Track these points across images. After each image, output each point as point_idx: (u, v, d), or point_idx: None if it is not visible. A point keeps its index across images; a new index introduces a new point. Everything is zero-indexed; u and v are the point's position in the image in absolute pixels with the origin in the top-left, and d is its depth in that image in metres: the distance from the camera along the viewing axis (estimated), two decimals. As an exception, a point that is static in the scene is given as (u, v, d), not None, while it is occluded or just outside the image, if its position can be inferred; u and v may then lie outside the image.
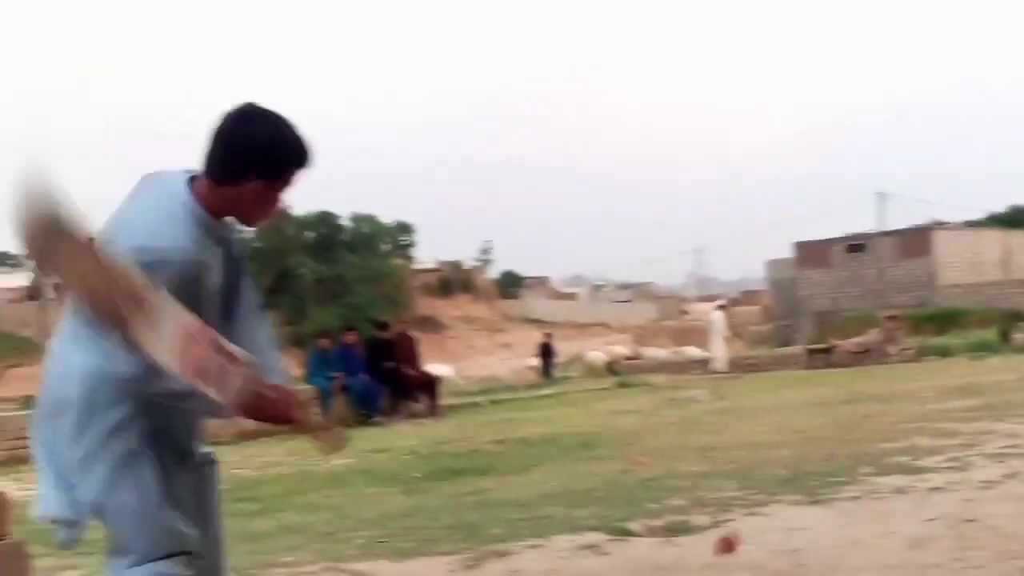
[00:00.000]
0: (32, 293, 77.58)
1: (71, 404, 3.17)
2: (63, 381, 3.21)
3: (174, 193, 3.20)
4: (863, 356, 28.62)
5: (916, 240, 59.17)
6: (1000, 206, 75.84)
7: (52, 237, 2.85)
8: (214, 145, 3.21)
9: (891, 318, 31.77)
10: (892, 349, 29.04)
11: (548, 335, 39.88)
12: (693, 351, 40.34)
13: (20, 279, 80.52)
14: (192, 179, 3.24)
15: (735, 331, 40.14)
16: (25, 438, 13.69)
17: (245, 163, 3.19)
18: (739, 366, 29.34)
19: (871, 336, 30.62)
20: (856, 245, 61.53)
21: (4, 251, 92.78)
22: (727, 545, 5.67)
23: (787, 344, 46.47)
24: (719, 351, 30.15)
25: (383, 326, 21.72)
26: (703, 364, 30.84)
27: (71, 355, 3.20)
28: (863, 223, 65.81)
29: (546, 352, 37.11)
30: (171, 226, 3.11)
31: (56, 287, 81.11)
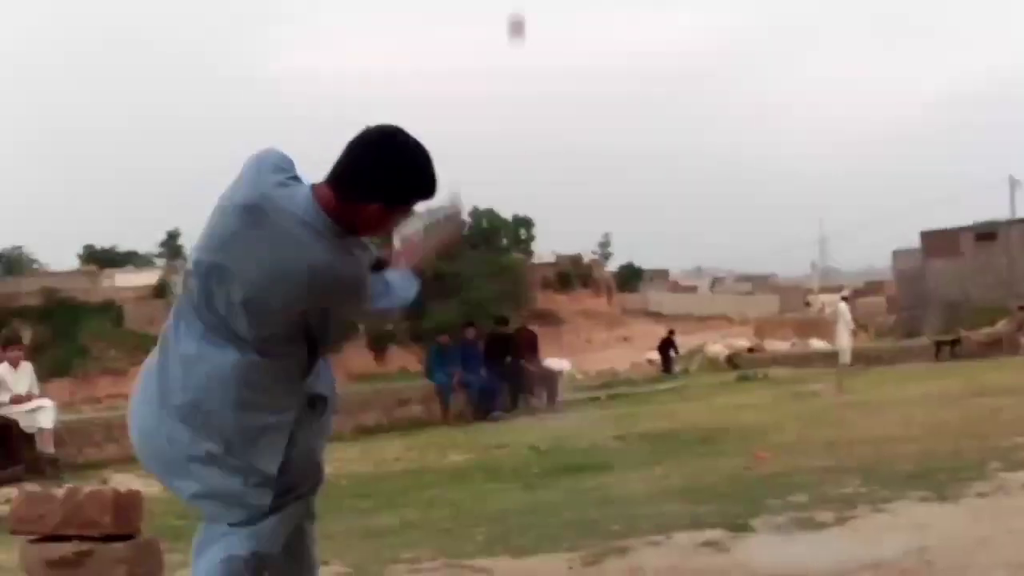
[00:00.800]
0: (158, 291, 79.33)
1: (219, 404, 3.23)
2: (210, 382, 3.23)
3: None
4: (992, 348, 27.95)
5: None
6: None
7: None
8: (349, 162, 3.22)
9: (1022, 308, 30.94)
10: (1023, 340, 28.30)
11: (671, 332, 39.62)
12: (817, 344, 39.72)
13: (147, 277, 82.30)
14: (313, 185, 3.27)
15: (859, 323, 39.46)
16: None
17: (375, 189, 3.21)
18: (864, 359, 28.83)
19: (1001, 327, 29.88)
20: (986, 234, 59.94)
21: (132, 250, 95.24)
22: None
23: (913, 336, 45.55)
24: (844, 343, 29.64)
25: (502, 321, 21.79)
26: (827, 357, 30.36)
27: (214, 356, 3.24)
28: (994, 211, 64.25)
29: (666, 346, 36.90)
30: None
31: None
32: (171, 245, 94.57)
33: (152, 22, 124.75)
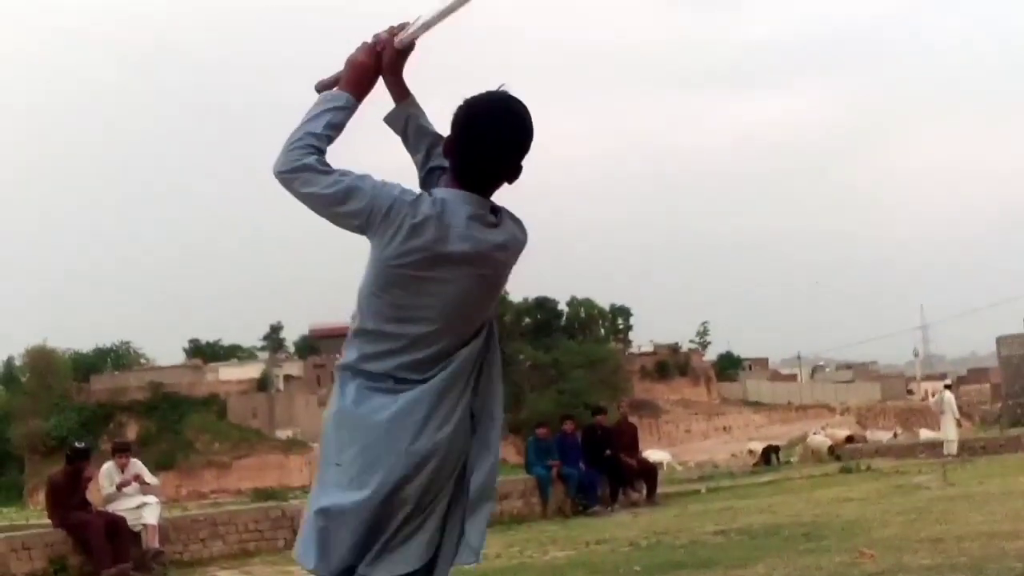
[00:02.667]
0: (261, 384, 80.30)
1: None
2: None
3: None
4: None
5: None
6: None
7: None
8: (463, 145, 3.24)
9: None
10: None
11: (770, 446, 38.60)
12: (926, 433, 38.93)
13: (250, 370, 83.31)
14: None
15: (963, 411, 38.69)
16: (256, 531, 14.04)
17: (496, 173, 3.27)
18: (969, 449, 28.23)
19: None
20: (1093, 318, 58.57)
21: (235, 343, 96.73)
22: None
23: (1020, 425, 44.47)
24: (950, 434, 29.05)
25: (600, 411, 21.78)
26: (931, 447, 29.79)
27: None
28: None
29: (769, 452, 36.14)
30: None
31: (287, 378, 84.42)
32: (273, 338, 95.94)
33: (255, 123, 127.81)
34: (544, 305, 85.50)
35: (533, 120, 3.26)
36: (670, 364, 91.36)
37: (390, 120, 3.66)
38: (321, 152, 3.23)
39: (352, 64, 3.39)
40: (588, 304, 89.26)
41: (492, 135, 3.20)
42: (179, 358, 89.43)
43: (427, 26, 3.38)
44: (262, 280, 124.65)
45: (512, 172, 3.26)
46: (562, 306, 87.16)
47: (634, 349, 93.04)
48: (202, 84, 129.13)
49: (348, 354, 3.34)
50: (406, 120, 3.63)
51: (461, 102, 3.24)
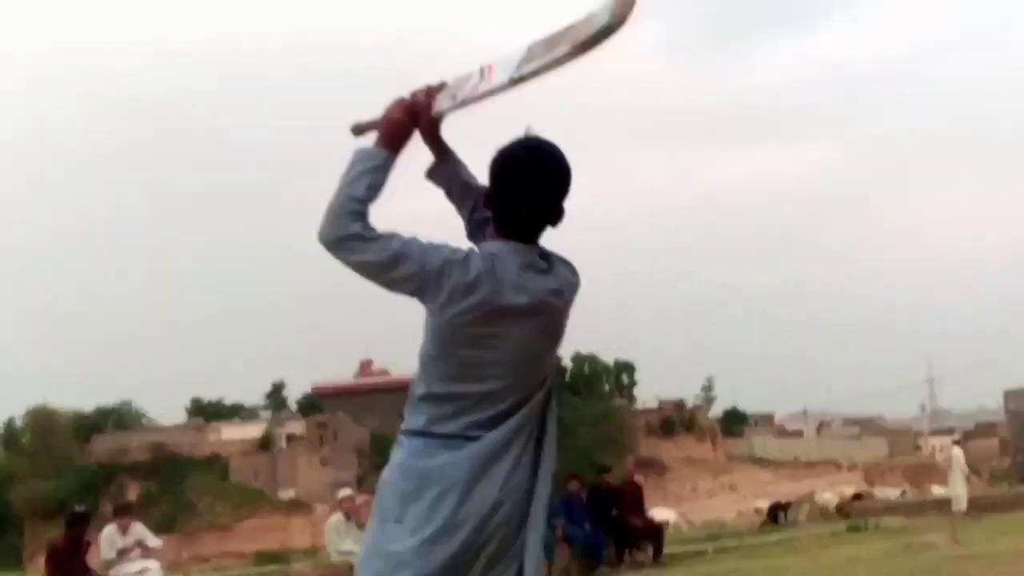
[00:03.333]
0: (264, 443, 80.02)
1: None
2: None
3: None
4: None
5: None
6: None
7: None
8: (503, 195, 3.24)
9: None
10: None
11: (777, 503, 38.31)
12: (937, 490, 38.62)
13: (253, 430, 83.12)
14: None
15: (972, 467, 38.41)
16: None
17: (539, 219, 3.25)
18: (979, 506, 27.96)
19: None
20: (1100, 372, 58.41)
21: (238, 402, 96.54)
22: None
23: (1030, 480, 44.21)
24: (959, 491, 28.79)
25: (605, 470, 21.62)
26: (940, 504, 29.51)
27: None
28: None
29: (776, 509, 35.89)
30: None
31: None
32: (276, 397, 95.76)
33: (252, 187, 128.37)
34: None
35: (568, 160, 3.25)
36: (675, 421, 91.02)
37: (432, 176, 3.66)
38: (364, 216, 3.20)
39: (389, 121, 3.35)
40: (592, 360, 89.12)
41: (531, 182, 3.20)
42: (181, 417, 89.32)
43: (464, 104, 3.36)
44: (264, 338, 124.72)
45: (555, 215, 3.25)
46: (566, 362, 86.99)
47: (639, 405, 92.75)
48: (204, 144, 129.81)
49: (413, 420, 3.31)
50: (449, 176, 3.64)
51: (495, 152, 3.25)
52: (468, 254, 3.16)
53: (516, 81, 3.22)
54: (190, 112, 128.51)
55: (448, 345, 3.19)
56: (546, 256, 3.28)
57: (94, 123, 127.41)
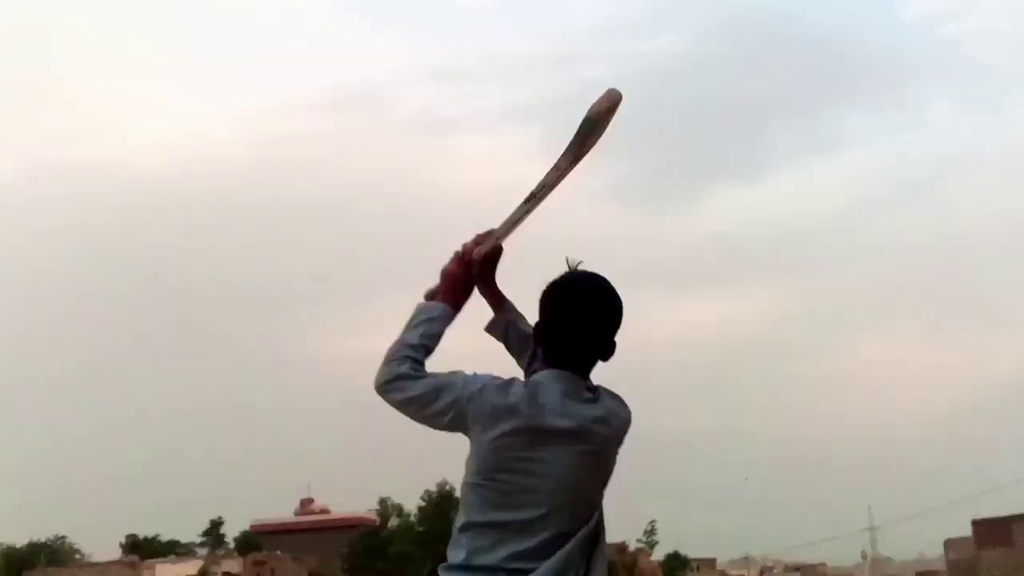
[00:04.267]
0: (201, 581, 78.37)
1: None
2: None
3: None
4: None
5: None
6: None
7: None
8: (552, 328, 3.25)
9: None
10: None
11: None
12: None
13: (188, 567, 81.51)
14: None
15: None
16: None
17: (589, 352, 3.25)
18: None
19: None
20: (1039, 523, 58.78)
21: (174, 539, 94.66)
22: None
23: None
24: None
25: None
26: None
27: None
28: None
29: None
30: None
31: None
32: (214, 534, 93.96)
33: (186, 315, 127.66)
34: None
35: (618, 294, 3.26)
36: (618, 564, 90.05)
37: (491, 330, 3.72)
38: (415, 360, 3.26)
39: (444, 274, 3.48)
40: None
41: (580, 315, 3.20)
42: (116, 553, 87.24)
43: (498, 237, 3.49)
44: (203, 474, 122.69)
45: (605, 349, 3.24)
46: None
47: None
48: (143, 270, 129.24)
49: (454, 554, 3.26)
50: (506, 327, 3.68)
51: (545, 285, 3.28)
52: (510, 380, 3.19)
53: (530, 199, 3.40)
54: (140, 245, 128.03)
55: (488, 470, 3.14)
56: (593, 389, 3.24)
57: (30, 262, 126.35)
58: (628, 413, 3.32)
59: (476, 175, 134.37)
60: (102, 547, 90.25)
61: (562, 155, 3.37)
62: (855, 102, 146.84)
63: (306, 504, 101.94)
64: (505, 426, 3.09)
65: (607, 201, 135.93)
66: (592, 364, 3.26)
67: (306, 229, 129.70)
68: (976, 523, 61.91)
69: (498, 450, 3.12)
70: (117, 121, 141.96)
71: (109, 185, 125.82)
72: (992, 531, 60.02)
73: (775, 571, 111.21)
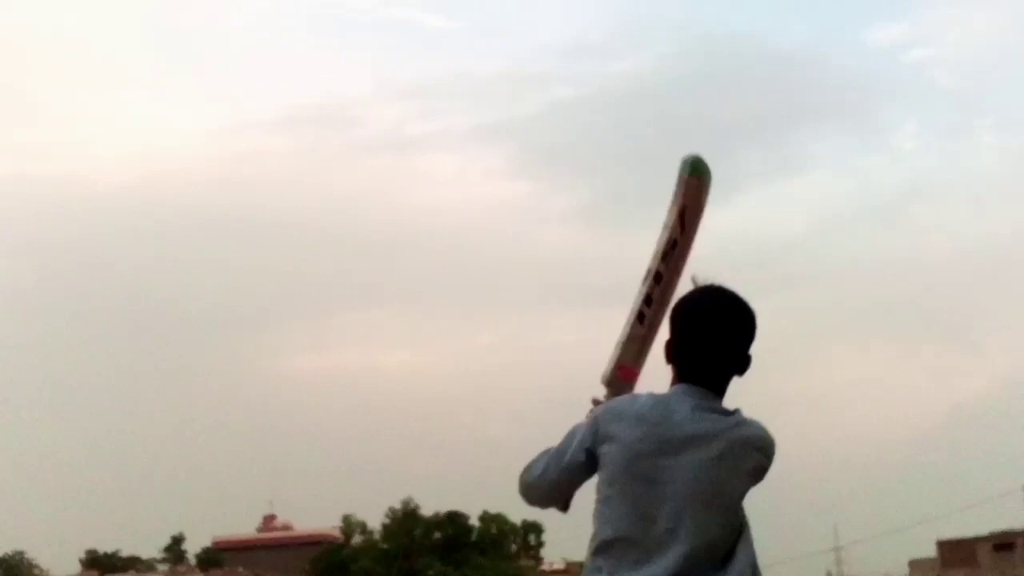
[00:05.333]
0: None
1: None
2: None
3: None
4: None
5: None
6: None
7: None
8: (681, 343, 3.20)
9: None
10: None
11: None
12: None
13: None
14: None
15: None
16: None
17: (720, 367, 3.19)
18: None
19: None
20: (1004, 544, 58.93)
21: (134, 554, 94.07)
22: None
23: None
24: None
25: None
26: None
27: None
28: (1012, 519, 63.30)
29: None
30: None
31: None
32: (175, 550, 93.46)
33: (148, 332, 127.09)
34: (455, 520, 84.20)
35: (749, 307, 3.22)
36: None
37: None
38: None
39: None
40: (500, 520, 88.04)
41: (706, 327, 3.15)
42: (75, 569, 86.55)
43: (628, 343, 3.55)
44: (165, 489, 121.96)
45: (738, 362, 3.18)
46: (474, 521, 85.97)
47: (545, 566, 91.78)
48: (104, 286, 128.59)
49: None
50: None
51: (675, 301, 3.28)
52: (637, 393, 3.23)
53: (649, 275, 3.56)
54: (101, 262, 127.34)
55: (616, 484, 3.07)
56: (731, 411, 3.16)
57: None
58: (768, 434, 3.21)
59: (443, 194, 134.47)
60: (61, 563, 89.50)
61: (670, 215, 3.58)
62: (822, 125, 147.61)
63: (269, 520, 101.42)
64: (634, 433, 3.05)
65: (573, 222, 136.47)
66: (725, 380, 3.20)
67: (271, 246, 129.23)
68: (941, 543, 62.05)
69: (626, 461, 3.06)
70: (80, 136, 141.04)
71: (71, 200, 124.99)
72: (957, 552, 60.20)
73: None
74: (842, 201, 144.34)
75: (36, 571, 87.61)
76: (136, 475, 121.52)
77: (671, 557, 2.98)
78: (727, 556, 3.06)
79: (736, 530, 3.11)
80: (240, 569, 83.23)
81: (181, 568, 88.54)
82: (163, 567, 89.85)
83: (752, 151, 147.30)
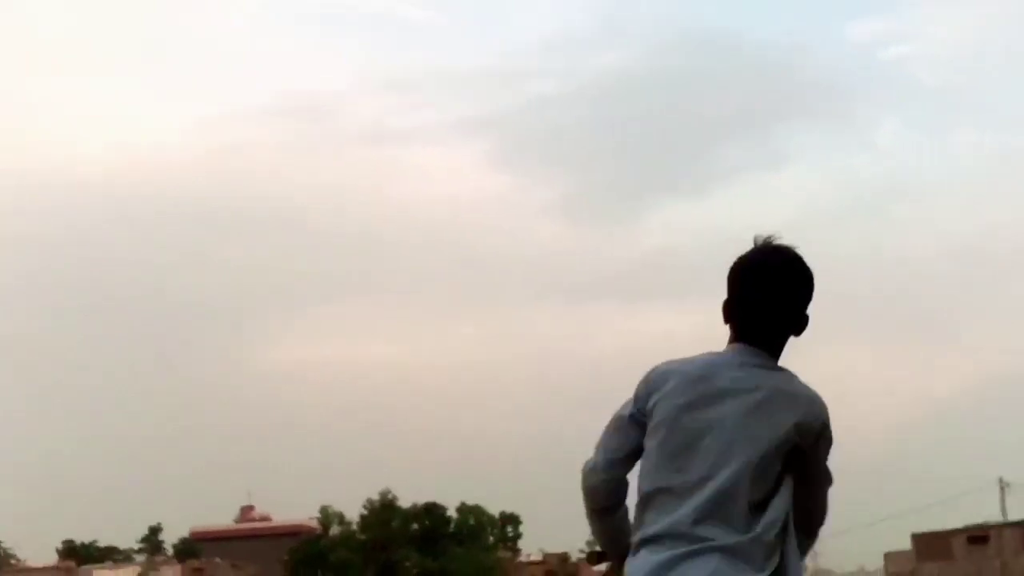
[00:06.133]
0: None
1: None
2: None
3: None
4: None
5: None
6: None
7: None
8: (737, 302, 3.21)
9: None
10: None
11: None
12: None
13: (125, 574, 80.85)
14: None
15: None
16: None
17: (774, 325, 3.20)
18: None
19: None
20: (978, 537, 59.25)
21: (112, 544, 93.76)
22: None
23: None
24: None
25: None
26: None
27: None
28: (986, 513, 63.69)
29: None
30: None
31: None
32: (152, 540, 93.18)
33: (128, 324, 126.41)
34: (433, 511, 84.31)
35: (808, 266, 3.20)
36: (559, 573, 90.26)
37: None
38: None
39: None
40: (478, 511, 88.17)
41: (765, 287, 3.15)
42: (52, 558, 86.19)
43: None
44: (142, 480, 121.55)
45: (795, 323, 3.18)
46: (451, 512, 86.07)
47: (523, 557, 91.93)
48: (85, 279, 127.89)
49: (634, 536, 3.16)
50: None
51: (734, 260, 3.24)
52: (693, 356, 3.19)
53: None
54: (79, 254, 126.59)
55: (655, 436, 3.10)
56: (779, 367, 3.18)
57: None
58: (819, 399, 3.22)
59: (425, 187, 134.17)
60: (39, 553, 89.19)
61: None
62: (802, 120, 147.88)
63: (246, 511, 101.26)
64: (677, 388, 3.09)
65: (555, 215, 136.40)
66: (782, 340, 3.20)
67: (253, 238, 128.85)
68: (916, 537, 62.32)
69: (667, 413, 3.09)
70: (62, 127, 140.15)
71: (53, 192, 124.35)
72: (932, 545, 60.44)
73: None
74: (823, 197, 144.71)
75: (13, 561, 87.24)
76: (114, 466, 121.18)
77: (698, 499, 3.01)
78: (760, 506, 3.06)
79: (772, 483, 3.10)
80: (217, 559, 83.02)
81: (159, 559, 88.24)
82: (140, 557, 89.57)
83: (733, 146, 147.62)
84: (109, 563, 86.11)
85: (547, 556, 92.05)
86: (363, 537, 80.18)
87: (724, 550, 2.98)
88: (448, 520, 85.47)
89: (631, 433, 3.18)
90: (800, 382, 3.19)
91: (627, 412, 3.19)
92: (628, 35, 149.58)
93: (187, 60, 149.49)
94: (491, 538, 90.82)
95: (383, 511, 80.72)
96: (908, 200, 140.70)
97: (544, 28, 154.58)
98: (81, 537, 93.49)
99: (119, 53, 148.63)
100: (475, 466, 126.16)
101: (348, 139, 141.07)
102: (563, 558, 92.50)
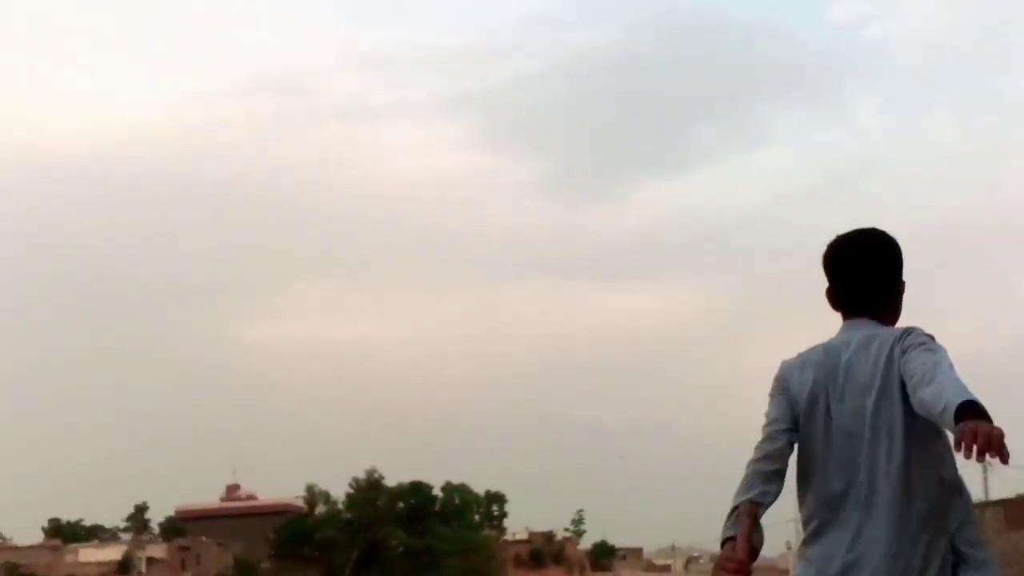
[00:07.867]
0: (122, 566, 77.71)
1: None
2: None
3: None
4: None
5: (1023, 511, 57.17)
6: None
7: None
8: (834, 284, 3.44)
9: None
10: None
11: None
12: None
13: (111, 552, 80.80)
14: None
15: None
16: None
17: (869, 301, 3.36)
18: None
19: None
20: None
21: (98, 523, 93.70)
22: None
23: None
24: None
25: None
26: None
27: None
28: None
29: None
30: None
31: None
32: (138, 519, 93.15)
33: (110, 302, 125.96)
34: (418, 490, 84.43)
35: (890, 238, 3.42)
36: (544, 553, 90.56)
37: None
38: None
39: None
40: (463, 490, 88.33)
41: (859, 270, 3.36)
42: (37, 537, 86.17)
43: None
44: (128, 459, 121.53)
45: (893, 292, 3.41)
46: (436, 491, 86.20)
47: (508, 536, 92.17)
48: (64, 256, 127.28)
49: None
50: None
51: (825, 249, 3.47)
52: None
53: None
54: (54, 233, 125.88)
55: (802, 441, 3.27)
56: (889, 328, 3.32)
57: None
58: (909, 328, 3.29)
59: (405, 164, 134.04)
60: (24, 531, 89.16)
61: None
62: (781, 100, 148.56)
63: (232, 490, 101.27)
64: (807, 375, 3.25)
65: (533, 193, 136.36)
66: (887, 307, 3.40)
67: (232, 215, 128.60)
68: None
69: (803, 415, 3.24)
70: (35, 105, 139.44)
71: (27, 170, 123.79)
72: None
73: (701, 560, 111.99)
74: (800, 176, 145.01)
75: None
76: (99, 444, 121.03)
77: (850, 525, 3.23)
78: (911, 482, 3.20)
79: (930, 453, 3.23)
80: (203, 538, 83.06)
81: (144, 537, 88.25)
82: (126, 536, 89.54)
83: (712, 125, 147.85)
84: (95, 541, 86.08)
85: (532, 535, 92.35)
86: (349, 516, 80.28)
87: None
88: (434, 499, 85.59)
89: (781, 407, 3.41)
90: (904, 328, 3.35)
91: (777, 408, 3.41)
92: (608, 14, 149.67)
93: (162, 36, 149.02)
94: (476, 517, 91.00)
95: (369, 490, 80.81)
96: (885, 178, 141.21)
97: (524, 6, 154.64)
98: (67, 516, 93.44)
99: (93, 29, 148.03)
100: (460, 444, 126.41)
101: (327, 116, 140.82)
102: (548, 536, 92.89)
